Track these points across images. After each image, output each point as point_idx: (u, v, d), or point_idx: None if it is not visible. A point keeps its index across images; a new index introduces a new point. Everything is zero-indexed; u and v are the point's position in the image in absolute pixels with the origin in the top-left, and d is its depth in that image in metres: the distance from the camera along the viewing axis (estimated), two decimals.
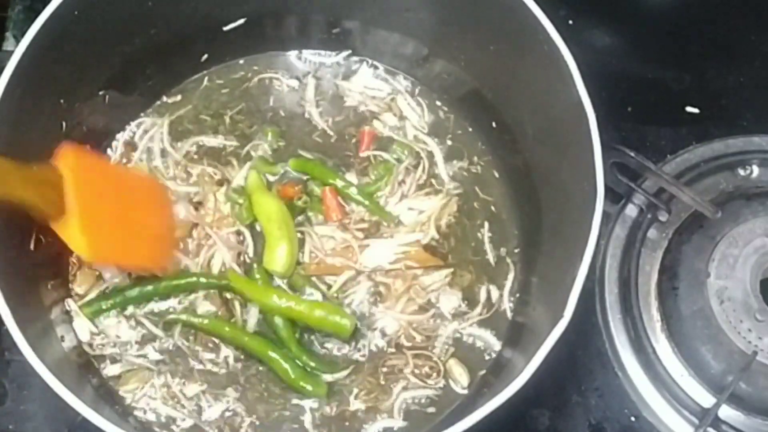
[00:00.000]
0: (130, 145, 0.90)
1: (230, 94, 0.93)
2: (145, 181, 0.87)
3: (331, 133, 0.91)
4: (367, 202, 0.87)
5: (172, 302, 0.84)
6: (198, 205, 0.87)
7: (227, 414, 0.80)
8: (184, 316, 0.83)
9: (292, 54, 0.94)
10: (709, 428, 0.81)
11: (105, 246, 0.76)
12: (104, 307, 0.83)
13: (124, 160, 0.89)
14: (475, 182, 0.91)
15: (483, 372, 0.83)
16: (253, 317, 0.83)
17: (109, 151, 0.89)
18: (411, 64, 0.93)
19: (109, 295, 0.83)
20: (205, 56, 0.92)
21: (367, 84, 0.94)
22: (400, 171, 0.89)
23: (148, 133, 0.90)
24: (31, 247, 0.77)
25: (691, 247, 0.88)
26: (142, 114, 0.91)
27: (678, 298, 0.86)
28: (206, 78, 0.93)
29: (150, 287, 0.83)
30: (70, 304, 0.82)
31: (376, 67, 0.94)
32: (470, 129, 0.92)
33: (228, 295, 0.84)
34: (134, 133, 0.90)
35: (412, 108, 0.93)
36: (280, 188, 0.87)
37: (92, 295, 0.83)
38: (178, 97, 0.92)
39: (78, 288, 0.83)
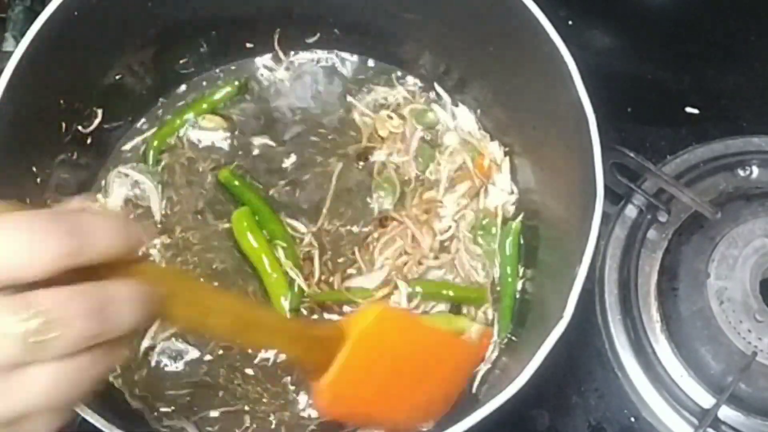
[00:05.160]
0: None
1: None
2: (450, 345, 0.78)
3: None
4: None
5: None
6: None
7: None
8: None
9: (293, 54, 0.95)
10: (708, 429, 0.81)
11: (351, 406, 0.69)
12: None
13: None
14: None
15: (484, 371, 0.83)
16: None
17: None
18: (409, 64, 0.93)
19: None
20: (207, 57, 0.92)
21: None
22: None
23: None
24: None
25: (690, 247, 0.88)
26: (141, 115, 0.91)
27: (678, 299, 0.86)
28: (207, 78, 0.93)
29: None
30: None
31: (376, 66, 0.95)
32: None
33: None
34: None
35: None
36: None
37: None
38: (178, 98, 0.92)
39: None
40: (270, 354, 0.82)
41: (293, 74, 0.94)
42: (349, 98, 0.92)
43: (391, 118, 0.91)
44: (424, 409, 0.75)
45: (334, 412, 0.72)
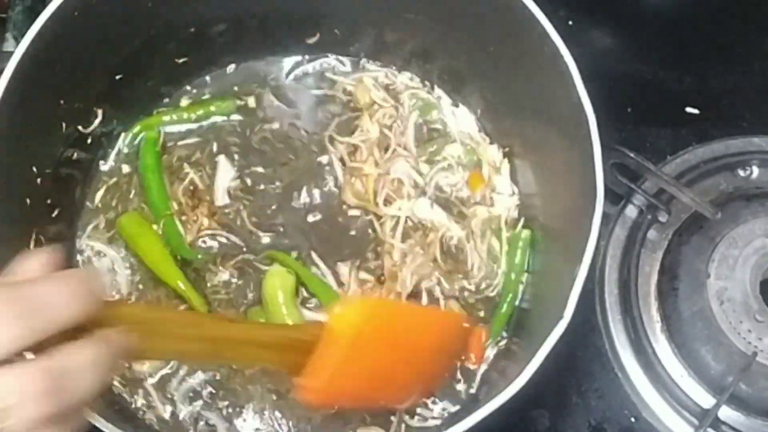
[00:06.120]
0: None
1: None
2: (439, 320, 0.79)
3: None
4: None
5: None
6: None
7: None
8: None
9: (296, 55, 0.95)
10: (709, 429, 0.81)
11: (340, 397, 0.70)
12: None
13: None
14: None
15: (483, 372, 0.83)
16: None
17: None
18: (410, 65, 0.93)
19: None
20: (208, 57, 0.92)
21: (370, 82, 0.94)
22: None
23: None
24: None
25: (690, 247, 0.88)
26: (141, 116, 0.91)
27: (678, 299, 0.86)
28: (208, 78, 0.93)
29: None
30: None
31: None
32: None
33: None
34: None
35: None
36: None
37: None
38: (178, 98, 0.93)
39: None
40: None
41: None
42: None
43: (377, 90, 0.91)
44: (418, 384, 0.76)
45: (321, 405, 0.73)
